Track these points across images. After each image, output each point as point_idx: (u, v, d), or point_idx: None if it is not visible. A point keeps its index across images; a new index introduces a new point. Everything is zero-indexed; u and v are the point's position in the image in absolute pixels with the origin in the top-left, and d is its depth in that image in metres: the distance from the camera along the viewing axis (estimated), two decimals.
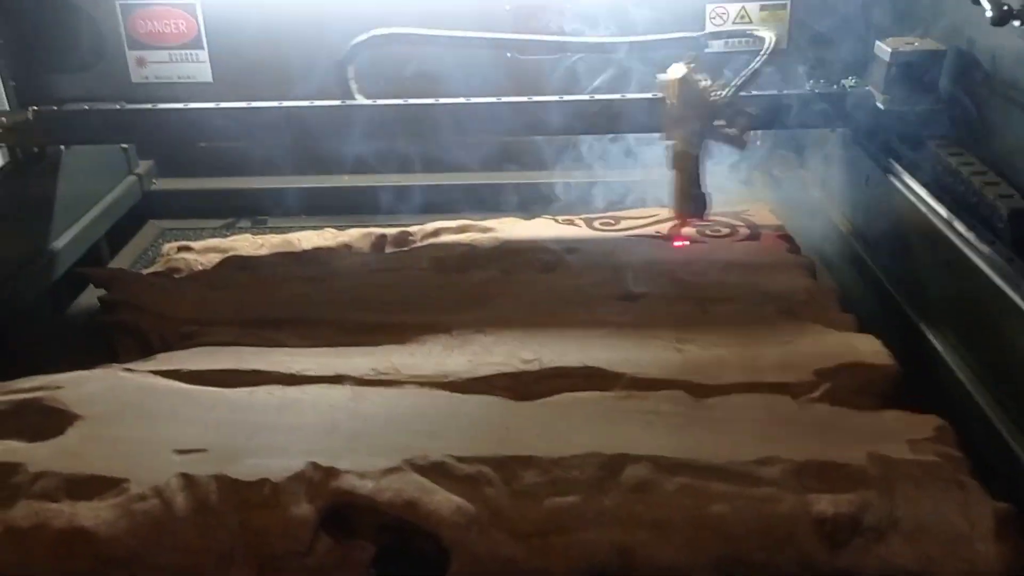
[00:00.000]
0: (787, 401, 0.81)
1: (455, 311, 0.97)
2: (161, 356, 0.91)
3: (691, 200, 1.08)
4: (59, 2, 1.32)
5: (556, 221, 1.19)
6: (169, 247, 1.21)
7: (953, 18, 1.02)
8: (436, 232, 1.18)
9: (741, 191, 1.21)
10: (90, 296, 1.13)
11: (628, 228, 1.16)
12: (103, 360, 0.95)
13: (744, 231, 1.14)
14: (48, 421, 0.81)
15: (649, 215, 1.18)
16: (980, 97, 0.98)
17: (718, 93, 1.02)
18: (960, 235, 0.86)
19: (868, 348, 0.87)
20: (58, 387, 0.85)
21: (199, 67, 1.37)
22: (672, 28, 1.18)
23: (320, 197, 1.41)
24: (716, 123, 1.04)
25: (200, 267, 1.13)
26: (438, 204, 1.35)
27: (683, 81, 1.02)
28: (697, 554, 0.69)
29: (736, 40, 1.17)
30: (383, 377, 0.86)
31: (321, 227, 1.31)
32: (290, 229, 1.32)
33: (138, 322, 0.99)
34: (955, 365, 0.84)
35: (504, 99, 1.10)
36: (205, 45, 1.35)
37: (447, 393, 0.84)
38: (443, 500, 0.71)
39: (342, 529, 0.72)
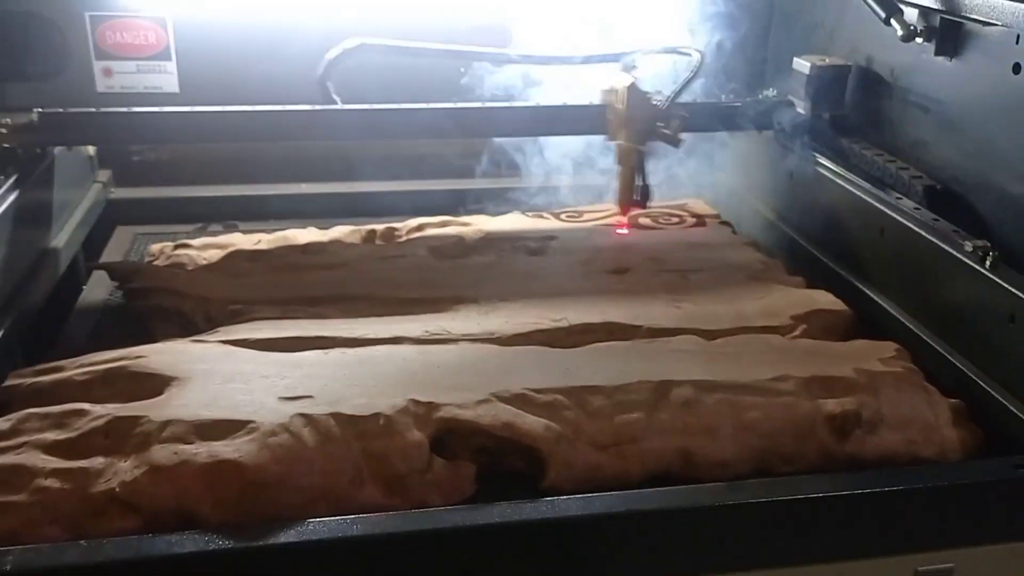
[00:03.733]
0: (778, 338, 1.00)
1: (475, 286, 1.10)
2: (222, 330, 0.99)
3: (637, 191, 1.25)
4: (25, 12, 1.35)
5: (525, 215, 1.34)
6: (161, 246, 1.26)
7: (852, 40, 1.27)
8: (420, 227, 1.30)
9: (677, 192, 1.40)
10: (92, 294, 1.17)
11: (592, 220, 1.33)
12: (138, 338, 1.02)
13: (690, 219, 1.33)
14: (143, 386, 0.87)
15: (606, 209, 1.36)
16: (881, 102, 1.22)
17: (659, 100, 1.21)
18: (891, 205, 1.09)
19: (825, 300, 1.08)
20: (140, 356, 0.91)
21: (166, 78, 1.43)
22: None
23: (283, 203, 1.49)
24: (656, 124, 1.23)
25: (205, 261, 1.20)
26: (398, 207, 1.47)
27: (631, 88, 1.20)
28: (741, 450, 0.85)
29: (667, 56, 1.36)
30: (437, 337, 0.98)
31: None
32: (264, 230, 1.40)
33: (179, 306, 1.05)
34: (895, 310, 1.06)
35: (466, 104, 1.25)
36: (174, 56, 1.42)
37: (498, 347, 0.97)
38: (534, 421, 0.84)
39: (443, 454, 0.83)
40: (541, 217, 1.34)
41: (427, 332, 0.98)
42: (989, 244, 0.94)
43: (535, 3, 1.36)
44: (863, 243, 1.14)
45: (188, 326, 1.04)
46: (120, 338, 1.00)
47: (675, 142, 1.20)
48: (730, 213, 1.39)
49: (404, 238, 1.28)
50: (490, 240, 1.24)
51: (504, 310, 1.04)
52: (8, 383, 0.91)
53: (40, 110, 1.17)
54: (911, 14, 1.11)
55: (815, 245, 1.24)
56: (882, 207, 1.10)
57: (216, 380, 0.87)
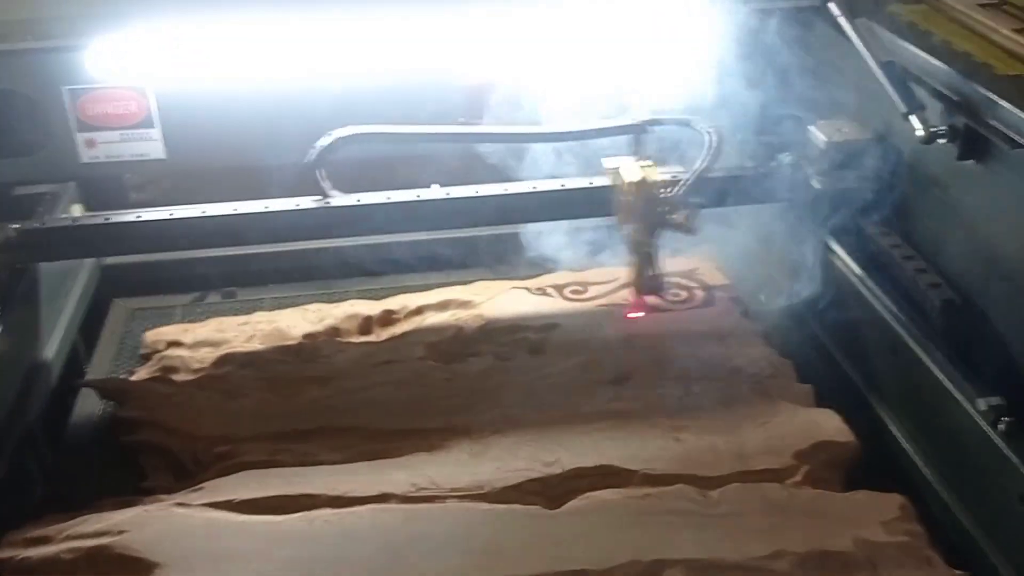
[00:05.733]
0: (777, 490, 0.96)
1: (468, 411, 1.07)
2: (209, 485, 0.97)
3: (649, 281, 1.19)
4: (1, 90, 1.30)
5: (529, 291, 1.29)
6: (153, 339, 1.24)
7: (878, 106, 1.17)
8: (419, 310, 1.26)
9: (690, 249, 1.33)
10: (87, 405, 1.16)
11: (596, 296, 1.28)
12: (133, 479, 1.01)
13: (698, 294, 1.28)
14: (127, 569, 0.87)
15: (611, 278, 1.30)
16: (901, 180, 1.14)
17: (669, 191, 1.13)
18: (904, 324, 1.02)
19: (831, 425, 1.03)
20: (122, 531, 0.91)
21: (152, 144, 1.37)
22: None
23: (282, 262, 1.45)
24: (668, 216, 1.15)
25: (197, 365, 1.18)
26: (396, 262, 1.42)
27: (640, 184, 1.12)
28: None
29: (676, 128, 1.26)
30: (424, 493, 0.96)
31: (291, 298, 1.38)
32: (261, 302, 1.38)
33: (167, 443, 1.04)
34: (905, 441, 1.01)
35: (455, 193, 1.18)
36: (157, 123, 1.36)
37: (487, 506, 0.94)
38: None
39: None
40: (544, 294, 1.29)
41: (414, 487, 0.96)
42: (1005, 404, 0.88)
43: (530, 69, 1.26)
44: (875, 353, 1.08)
45: (176, 467, 1.03)
46: (111, 475, 1.01)
47: (689, 231, 1.13)
48: (743, 277, 1.32)
49: (401, 326, 1.24)
50: (490, 332, 1.20)
51: (496, 447, 1.02)
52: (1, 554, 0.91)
53: (17, 226, 1.13)
54: (935, 109, 1.02)
55: (828, 335, 1.18)
56: (895, 324, 1.03)
57: (197, 567, 0.87)
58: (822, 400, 1.09)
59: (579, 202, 1.19)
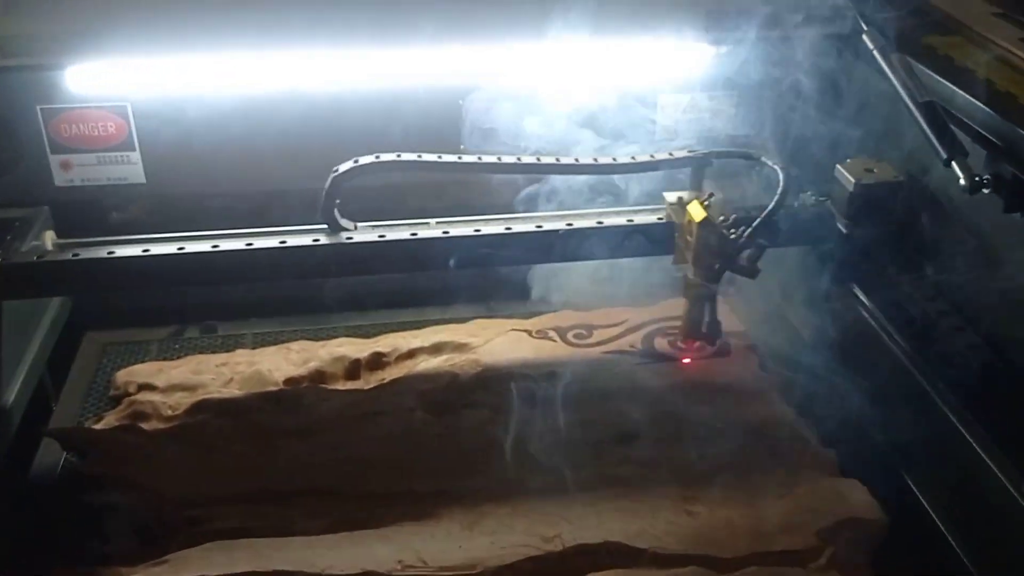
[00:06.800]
0: (799, 575, 0.87)
1: (461, 474, 0.98)
2: (173, 558, 0.89)
3: (707, 327, 1.10)
4: None
5: (529, 334, 1.20)
6: (124, 379, 1.16)
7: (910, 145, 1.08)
8: (411, 353, 1.17)
9: None
10: (49, 454, 1.07)
11: (602, 341, 1.19)
12: (94, 543, 0.93)
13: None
14: None
15: (618, 320, 1.22)
16: (938, 230, 1.05)
17: (735, 231, 1.03)
18: (935, 386, 0.93)
19: (858, 499, 0.94)
20: None
21: (130, 168, 1.29)
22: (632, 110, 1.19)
23: (261, 294, 1.36)
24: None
25: (170, 411, 1.09)
26: (383, 297, 1.34)
27: (703, 226, 1.02)
28: None
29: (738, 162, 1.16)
30: (411, 572, 0.87)
31: (275, 333, 1.29)
32: (243, 338, 1.29)
33: (133, 503, 0.95)
34: (937, 518, 0.92)
35: (485, 229, 1.08)
36: (137, 146, 1.28)
37: None
38: None
39: None
40: (546, 337, 1.20)
41: (400, 564, 0.87)
42: None
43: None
44: (905, 418, 0.99)
45: (142, 530, 0.94)
46: (70, 537, 0.93)
47: (751, 274, 1.04)
48: (762, 323, 1.23)
49: (391, 371, 1.15)
50: (486, 380, 1.11)
51: (491, 518, 0.93)
52: None
53: None
54: (978, 155, 0.93)
55: (853, 396, 1.08)
56: (928, 387, 0.94)
57: None
58: (846, 467, 1.00)
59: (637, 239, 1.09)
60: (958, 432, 0.90)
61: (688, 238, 1.03)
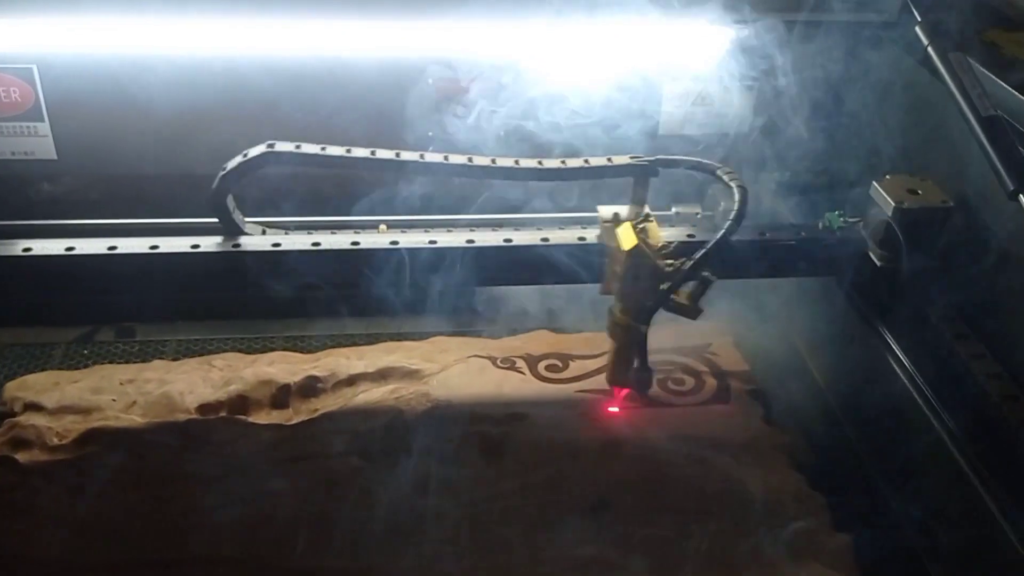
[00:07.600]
0: None
1: (387, 548, 0.80)
2: None
3: (632, 375, 0.90)
4: None
5: (494, 363, 1.02)
6: (13, 394, 0.99)
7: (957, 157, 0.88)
8: (351, 380, 0.99)
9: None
10: None
11: (578, 376, 1.00)
12: None
13: (709, 382, 1.00)
14: None
15: (599, 350, 1.03)
16: (990, 267, 0.86)
17: (673, 263, 0.83)
18: (974, 462, 0.75)
19: None
20: None
21: (39, 142, 1.11)
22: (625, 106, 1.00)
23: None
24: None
25: (56, 440, 0.92)
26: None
27: (633, 255, 0.83)
28: None
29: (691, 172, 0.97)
30: None
31: (202, 342, 1.12)
32: (164, 345, 1.11)
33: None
34: None
35: (407, 242, 0.90)
36: (46, 116, 1.09)
37: None
38: None
39: None
40: (513, 368, 1.01)
41: None
42: None
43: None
44: (935, 495, 0.81)
45: None
46: None
47: (693, 313, 0.84)
48: (771, 364, 1.04)
49: (325, 401, 0.97)
50: (435, 422, 0.93)
51: None
52: None
53: None
54: None
55: (874, 461, 0.90)
56: (962, 459, 0.76)
57: None
58: (864, 561, 0.81)
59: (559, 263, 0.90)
60: (994, 519, 0.72)
61: (616, 268, 0.84)
